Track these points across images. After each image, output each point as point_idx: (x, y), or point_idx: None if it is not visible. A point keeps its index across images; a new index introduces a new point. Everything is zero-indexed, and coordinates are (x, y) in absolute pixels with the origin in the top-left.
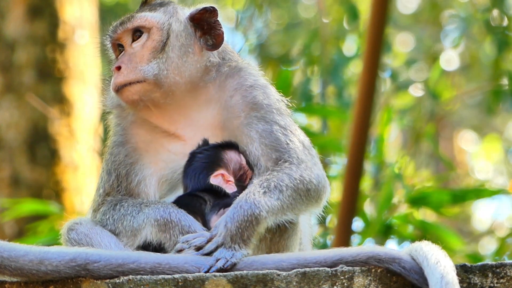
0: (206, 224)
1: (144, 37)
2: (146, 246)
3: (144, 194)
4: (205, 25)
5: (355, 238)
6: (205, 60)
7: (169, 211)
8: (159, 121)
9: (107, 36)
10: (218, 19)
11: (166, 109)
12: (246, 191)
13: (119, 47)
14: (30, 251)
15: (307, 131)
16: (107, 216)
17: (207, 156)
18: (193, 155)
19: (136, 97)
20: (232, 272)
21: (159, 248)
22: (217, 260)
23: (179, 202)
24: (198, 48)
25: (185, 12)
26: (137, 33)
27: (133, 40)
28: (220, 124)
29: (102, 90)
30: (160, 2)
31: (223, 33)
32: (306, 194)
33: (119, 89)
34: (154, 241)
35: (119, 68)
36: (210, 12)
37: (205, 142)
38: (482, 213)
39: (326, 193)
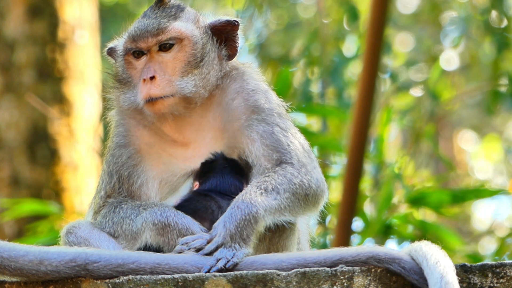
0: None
1: (175, 48)
2: (146, 248)
3: (145, 196)
4: (223, 36)
5: (355, 238)
6: (222, 68)
7: (166, 214)
8: (172, 130)
9: (129, 41)
10: (238, 32)
11: (180, 118)
12: (243, 191)
13: (138, 52)
14: (30, 251)
15: (307, 131)
16: (107, 219)
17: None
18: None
19: (166, 111)
20: (231, 272)
21: (159, 251)
22: (218, 260)
23: (189, 206)
24: (218, 59)
25: (205, 20)
26: (166, 43)
27: (161, 49)
28: (220, 126)
29: (109, 88)
30: (177, 5)
31: (238, 46)
32: (305, 198)
33: (151, 101)
34: (154, 245)
35: (152, 77)
36: (233, 26)
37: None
38: (482, 213)
39: (324, 197)
